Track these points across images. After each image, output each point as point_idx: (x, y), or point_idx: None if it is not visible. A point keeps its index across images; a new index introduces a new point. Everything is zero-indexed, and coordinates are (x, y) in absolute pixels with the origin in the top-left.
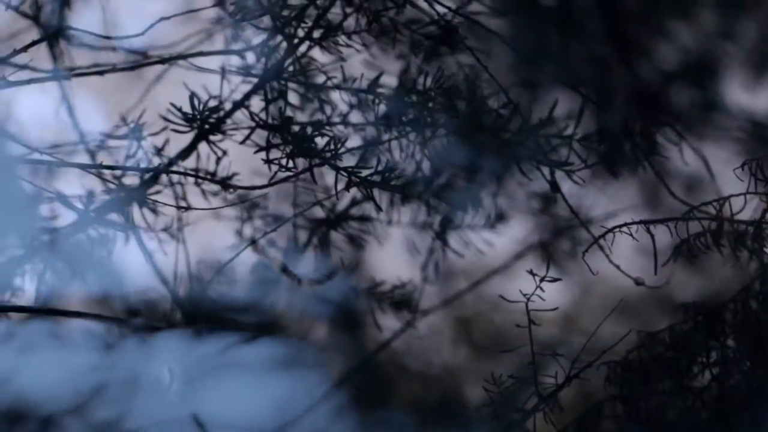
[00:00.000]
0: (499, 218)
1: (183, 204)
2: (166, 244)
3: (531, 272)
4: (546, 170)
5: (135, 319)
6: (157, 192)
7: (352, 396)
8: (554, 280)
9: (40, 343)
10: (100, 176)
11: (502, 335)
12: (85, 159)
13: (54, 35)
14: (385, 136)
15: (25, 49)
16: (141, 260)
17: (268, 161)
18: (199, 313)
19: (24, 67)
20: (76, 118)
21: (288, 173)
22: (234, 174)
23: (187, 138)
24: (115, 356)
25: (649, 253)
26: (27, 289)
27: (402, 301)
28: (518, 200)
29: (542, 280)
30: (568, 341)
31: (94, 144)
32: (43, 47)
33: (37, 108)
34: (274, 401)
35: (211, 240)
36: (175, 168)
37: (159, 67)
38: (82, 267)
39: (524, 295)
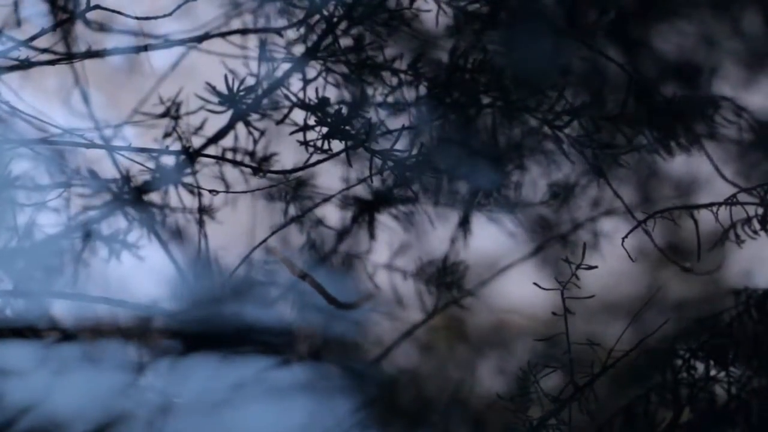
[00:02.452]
0: (553, 196)
1: (218, 186)
2: (205, 226)
3: (566, 260)
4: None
5: (166, 341)
6: (195, 173)
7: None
8: (590, 267)
9: (72, 365)
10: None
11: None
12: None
13: (79, 16)
14: (427, 117)
15: (53, 28)
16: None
17: (305, 143)
18: (227, 334)
19: (45, 50)
20: (94, 101)
21: (324, 155)
22: (272, 154)
23: (225, 118)
24: (147, 379)
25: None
26: (65, 269)
27: (452, 282)
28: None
29: (578, 267)
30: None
31: (123, 125)
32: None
33: (58, 90)
34: (302, 424)
35: (252, 221)
36: (212, 147)
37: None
38: (117, 249)
39: (559, 282)
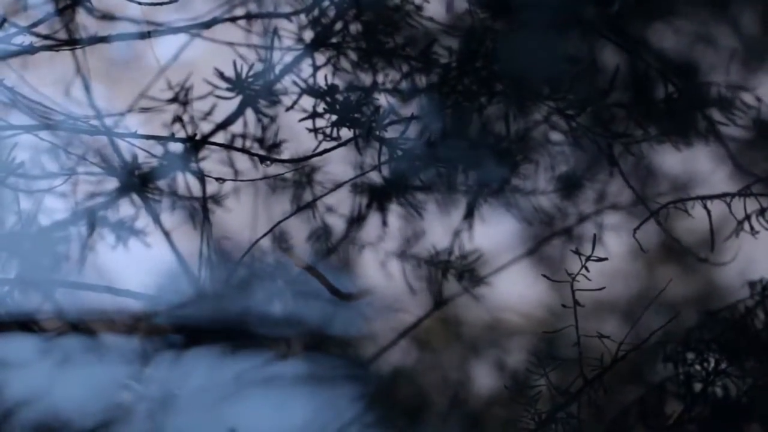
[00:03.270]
0: (566, 186)
1: (227, 172)
2: (213, 213)
3: (576, 251)
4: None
5: (171, 334)
6: (201, 160)
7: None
8: (600, 259)
9: (74, 357)
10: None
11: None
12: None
13: (82, 3)
14: (437, 106)
15: (56, 14)
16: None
17: (314, 130)
18: (230, 328)
19: (48, 37)
20: (99, 89)
21: (332, 143)
22: (281, 141)
23: (234, 104)
24: (150, 372)
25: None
26: (71, 255)
27: (465, 270)
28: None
29: (587, 259)
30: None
31: (130, 112)
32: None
33: (63, 77)
34: (304, 416)
35: (260, 209)
36: (221, 134)
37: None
38: (125, 234)
39: (569, 274)
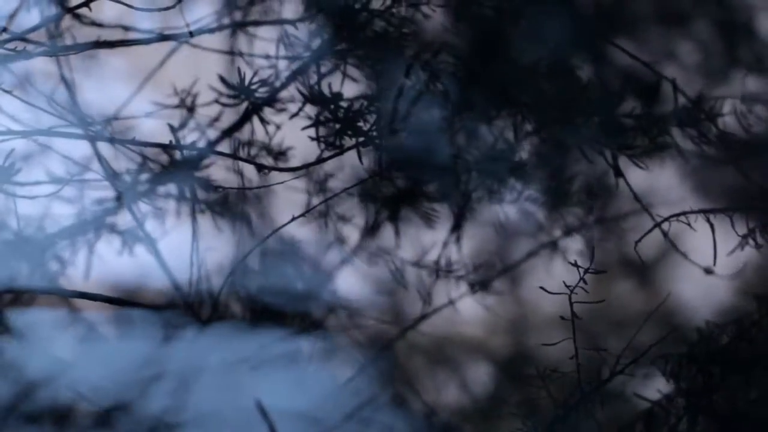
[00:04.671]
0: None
1: (234, 177)
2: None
3: (575, 264)
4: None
5: (193, 309)
6: (209, 165)
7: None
8: (597, 272)
9: (97, 332)
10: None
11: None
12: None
13: (77, 8)
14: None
15: (55, 18)
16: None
17: (318, 138)
18: (254, 303)
19: (39, 43)
20: (97, 94)
21: (335, 151)
22: (287, 149)
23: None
24: (174, 346)
25: None
26: (77, 261)
27: (479, 281)
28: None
29: (586, 271)
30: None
31: (137, 116)
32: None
33: (60, 81)
34: (326, 395)
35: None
36: (225, 141)
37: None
38: (131, 240)
39: (567, 286)
